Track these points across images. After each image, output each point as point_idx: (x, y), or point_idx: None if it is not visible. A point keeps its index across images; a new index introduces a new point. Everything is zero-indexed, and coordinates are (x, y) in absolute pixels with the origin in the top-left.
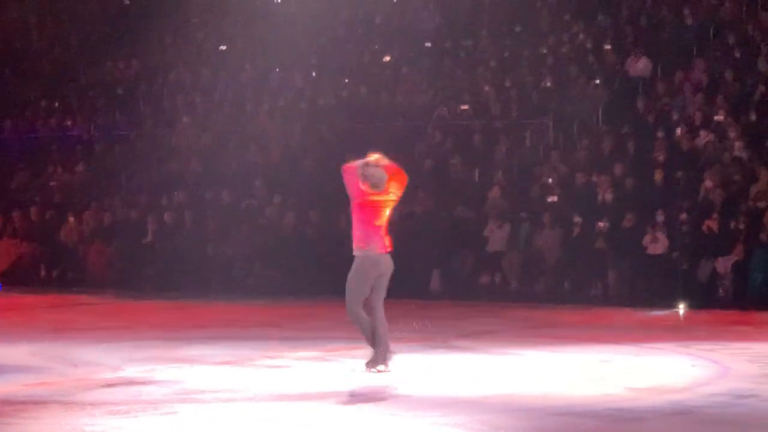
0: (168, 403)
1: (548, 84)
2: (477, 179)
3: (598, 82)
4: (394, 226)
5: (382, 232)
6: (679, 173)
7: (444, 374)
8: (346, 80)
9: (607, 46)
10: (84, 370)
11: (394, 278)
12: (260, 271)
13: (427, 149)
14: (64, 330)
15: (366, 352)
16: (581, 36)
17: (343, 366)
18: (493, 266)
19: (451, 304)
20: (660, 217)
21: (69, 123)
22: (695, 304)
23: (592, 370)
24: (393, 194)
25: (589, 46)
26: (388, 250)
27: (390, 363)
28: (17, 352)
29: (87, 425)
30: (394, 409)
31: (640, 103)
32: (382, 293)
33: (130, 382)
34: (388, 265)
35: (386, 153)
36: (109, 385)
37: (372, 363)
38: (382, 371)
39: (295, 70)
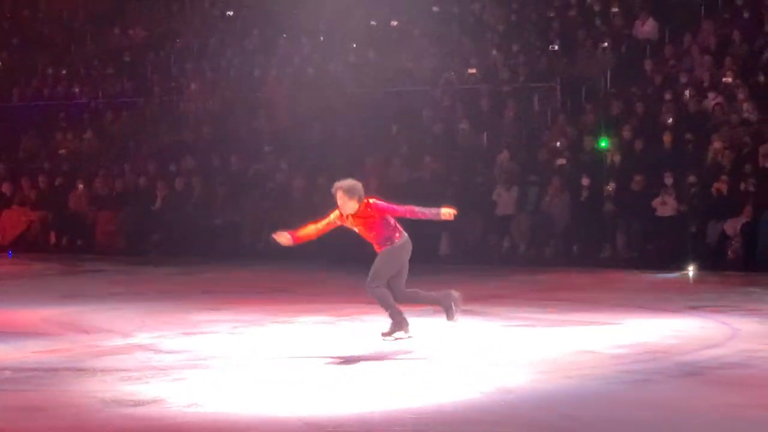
0: (178, 369)
1: (556, 48)
2: (485, 143)
3: (605, 45)
4: (402, 188)
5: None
6: (688, 135)
7: (453, 338)
8: (354, 45)
9: (615, 9)
10: (95, 337)
11: None
12: (269, 237)
13: (435, 114)
14: (75, 297)
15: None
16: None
17: (354, 329)
18: (502, 230)
19: (461, 268)
20: (669, 180)
21: (76, 90)
22: (704, 266)
23: (601, 332)
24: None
25: (596, 9)
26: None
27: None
28: (28, 319)
29: (98, 391)
30: (405, 369)
31: (647, 66)
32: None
33: (141, 348)
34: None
35: (395, 118)
36: (120, 352)
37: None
38: (401, 338)
39: (303, 36)
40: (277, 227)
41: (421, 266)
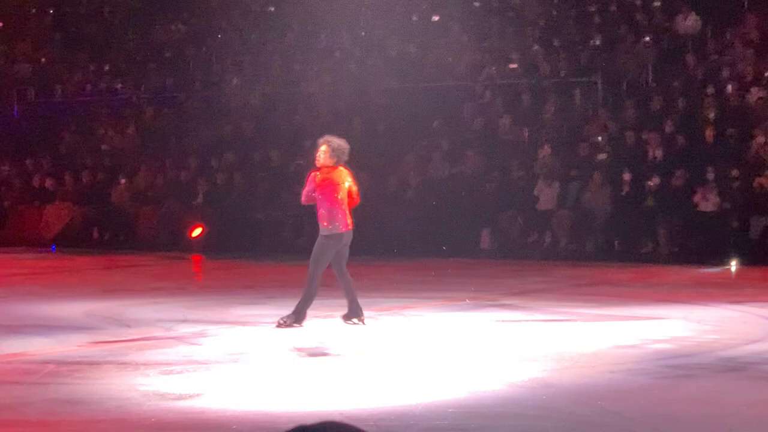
0: (219, 363)
1: (597, 42)
2: (526, 138)
3: (647, 39)
4: (442, 183)
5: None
6: (730, 130)
7: (494, 332)
8: (395, 40)
9: (656, 4)
10: (137, 331)
11: (445, 237)
12: (310, 232)
13: (476, 108)
14: (117, 291)
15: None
16: None
17: (394, 324)
18: (543, 225)
19: (501, 262)
20: (710, 175)
21: (118, 86)
22: (746, 261)
23: (643, 327)
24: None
25: (637, 3)
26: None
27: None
28: (71, 313)
29: (140, 385)
30: (444, 363)
31: (689, 60)
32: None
33: (183, 343)
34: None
35: (435, 113)
36: (162, 346)
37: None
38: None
39: (343, 31)
40: (317, 224)
41: (463, 261)
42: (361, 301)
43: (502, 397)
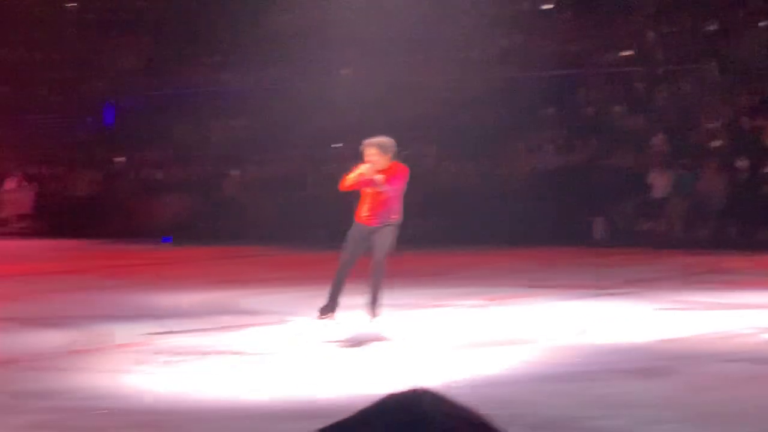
0: (334, 352)
1: (712, 27)
2: (640, 126)
3: (763, 24)
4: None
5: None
6: None
7: (607, 320)
8: (506, 29)
9: None
10: (251, 320)
11: (557, 226)
12: (419, 222)
13: (587, 97)
14: (230, 281)
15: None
16: None
17: (506, 312)
18: (657, 213)
19: (614, 251)
20: None
21: (228, 77)
22: None
23: (760, 316)
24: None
25: None
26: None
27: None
28: (185, 303)
29: (253, 374)
30: (558, 353)
31: None
32: None
33: (296, 332)
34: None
35: (547, 102)
36: (275, 335)
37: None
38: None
39: (452, 21)
40: (426, 214)
41: (576, 250)
42: (472, 290)
43: (619, 385)
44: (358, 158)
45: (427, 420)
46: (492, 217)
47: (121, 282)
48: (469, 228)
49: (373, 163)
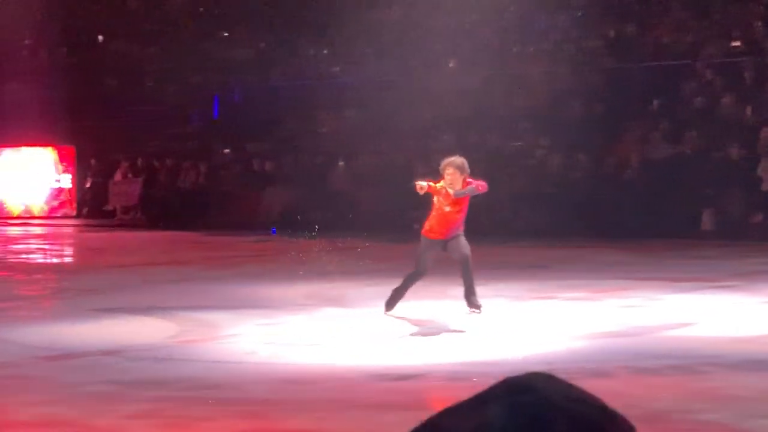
0: (443, 341)
1: None
2: (748, 117)
3: None
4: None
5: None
6: None
7: (710, 315)
8: (613, 20)
9: None
10: (357, 312)
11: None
12: (527, 213)
13: (696, 88)
14: (337, 273)
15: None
16: None
17: (611, 305)
18: (766, 205)
19: (723, 243)
20: None
21: (337, 70)
22: None
23: None
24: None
25: None
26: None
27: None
28: (292, 295)
29: (363, 364)
30: (674, 344)
31: None
32: None
33: (403, 323)
34: None
35: (654, 93)
36: (382, 326)
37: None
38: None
39: (561, 13)
40: (535, 205)
41: (683, 241)
42: (578, 282)
43: (724, 378)
44: (464, 148)
45: (549, 402)
46: (600, 208)
47: (228, 273)
48: (578, 219)
49: (451, 182)
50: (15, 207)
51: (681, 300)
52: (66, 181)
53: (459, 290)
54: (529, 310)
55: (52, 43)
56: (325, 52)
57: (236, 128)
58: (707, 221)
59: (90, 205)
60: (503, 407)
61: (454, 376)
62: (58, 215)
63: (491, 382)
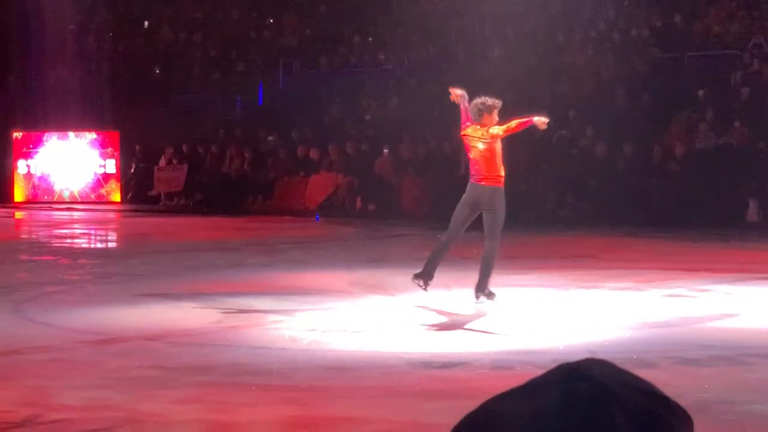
0: (482, 332)
1: None
2: None
3: None
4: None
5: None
6: None
7: (756, 306)
8: (660, 9)
9: None
10: (400, 300)
11: (711, 209)
12: (572, 203)
13: (743, 78)
14: (380, 261)
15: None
16: None
17: (656, 295)
18: None
19: None
20: None
21: (382, 57)
22: None
23: None
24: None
25: None
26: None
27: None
28: (335, 282)
29: (405, 352)
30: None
31: None
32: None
33: (447, 311)
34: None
35: (701, 83)
36: (425, 314)
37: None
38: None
39: (608, 0)
40: (580, 195)
41: (728, 232)
42: (623, 272)
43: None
44: (509, 137)
45: (606, 389)
46: (646, 198)
47: (271, 260)
48: (623, 209)
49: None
50: (60, 192)
51: (726, 290)
52: (111, 166)
53: (503, 278)
54: (574, 299)
55: (99, 29)
56: (370, 39)
57: (281, 115)
58: (753, 212)
59: (135, 190)
60: (559, 394)
61: (497, 365)
62: (103, 200)
63: (534, 371)
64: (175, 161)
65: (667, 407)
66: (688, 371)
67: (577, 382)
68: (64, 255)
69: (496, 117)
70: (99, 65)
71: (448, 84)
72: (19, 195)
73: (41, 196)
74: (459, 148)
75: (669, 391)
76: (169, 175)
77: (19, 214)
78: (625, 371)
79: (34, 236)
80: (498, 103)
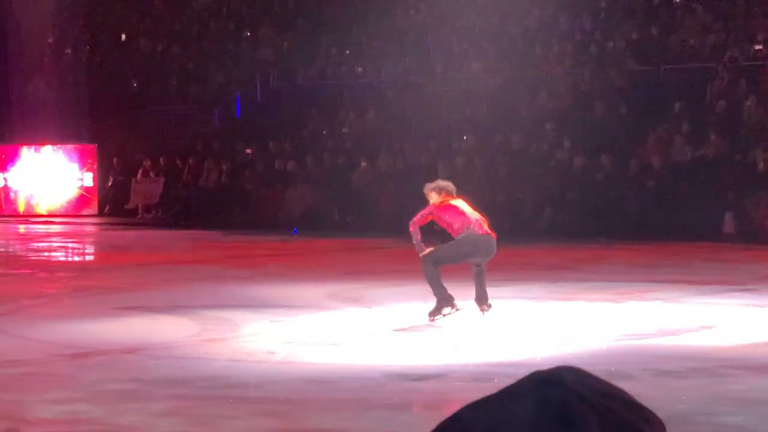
0: (461, 344)
1: None
2: None
3: None
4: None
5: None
6: None
7: (731, 318)
8: (636, 22)
9: None
10: (376, 312)
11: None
12: (550, 215)
13: (719, 91)
14: (358, 273)
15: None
16: None
17: (633, 307)
18: None
19: (745, 246)
20: None
21: (360, 70)
22: None
23: None
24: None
25: None
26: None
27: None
28: (314, 294)
29: (381, 364)
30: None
31: None
32: None
33: (424, 324)
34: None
35: (677, 95)
36: (402, 327)
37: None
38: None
39: (584, 13)
40: (557, 207)
41: (705, 244)
42: (601, 284)
43: (745, 382)
44: (487, 149)
45: (579, 396)
46: (623, 210)
47: (249, 272)
48: (600, 221)
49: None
50: (37, 205)
51: (703, 303)
52: (88, 179)
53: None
54: (551, 311)
55: (76, 41)
56: (347, 52)
57: (259, 128)
58: (729, 224)
59: (112, 203)
60: (532, 401)
61: (475, 377)
62: (80, 214)
63: (512, 383)
64: (152, 174)
65: (640, 415)
66: (666, 383)
67: (550, 389)
68: (41, 268)
69: (430, 200)
70: (76, 78)
71: (426, 97)
72: None
73: (18, 210)
74: (436, 160)
75: (646, 403)
76: (145, 187)
77: None
78: (599, 378)
79: (11, 249)
80: (428, 187)
